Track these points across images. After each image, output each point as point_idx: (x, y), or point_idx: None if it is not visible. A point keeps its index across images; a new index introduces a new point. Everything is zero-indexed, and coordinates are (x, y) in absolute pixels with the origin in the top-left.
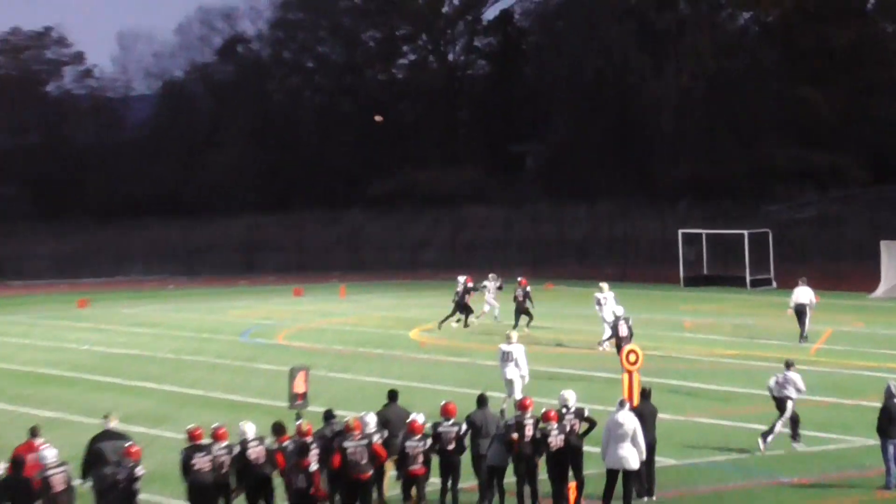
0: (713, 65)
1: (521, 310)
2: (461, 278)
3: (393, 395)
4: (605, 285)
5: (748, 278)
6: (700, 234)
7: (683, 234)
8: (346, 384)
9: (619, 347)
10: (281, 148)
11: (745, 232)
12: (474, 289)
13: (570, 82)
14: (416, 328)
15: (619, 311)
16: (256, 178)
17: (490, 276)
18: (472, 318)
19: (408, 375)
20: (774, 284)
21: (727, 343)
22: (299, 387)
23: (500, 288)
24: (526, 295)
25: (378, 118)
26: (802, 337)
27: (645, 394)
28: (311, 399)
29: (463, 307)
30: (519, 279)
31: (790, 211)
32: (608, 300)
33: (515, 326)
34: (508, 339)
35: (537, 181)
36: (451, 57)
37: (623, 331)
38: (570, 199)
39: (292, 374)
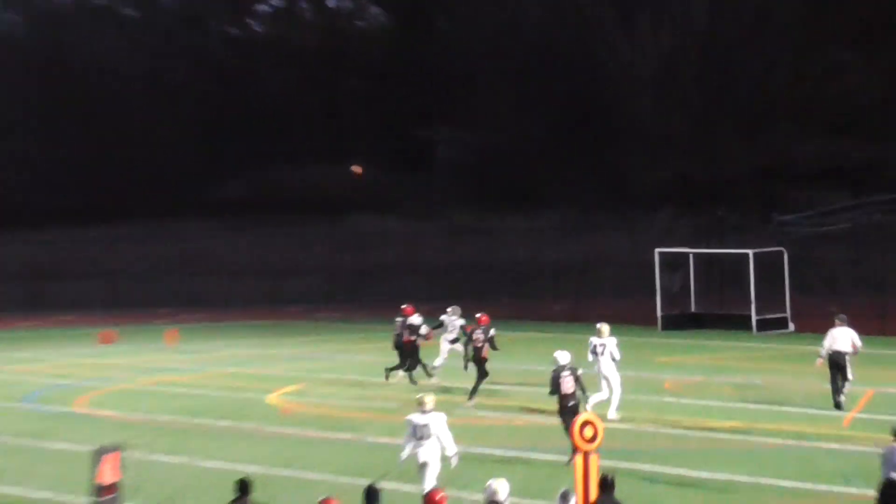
0: (706, 20)
1: (481, 359)
2: (410, 313)
3: (244, 486)
4: (605, 327)
5: (754, 318)
6: (686, 256)
7: (662, 254)
8: (176, 471)
9: (563, 413)
10: (85, 134)
11: (751, 252)
12: (419, 330)
13: (505, 43)
14: (279, 390)
15: (563, 357)
16: (49, 178)
17: (449, 309)
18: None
19: (266, 458)
20: (792, 327)
21: (724, 411)
22: (107, 475)
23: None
24: (489, 340)
25: (356, 169)
26: (838, 402)
27: (606, 484)
28: (125, 493)
29: (408, 353)
30: (478, 316)
31: (813, 223)
32: (607, 349)
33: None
34: (422, 406)
35: (456, 182)
36: (331, 3)
37: (567, 386)
38: (502, 207)
39: (98, 457)
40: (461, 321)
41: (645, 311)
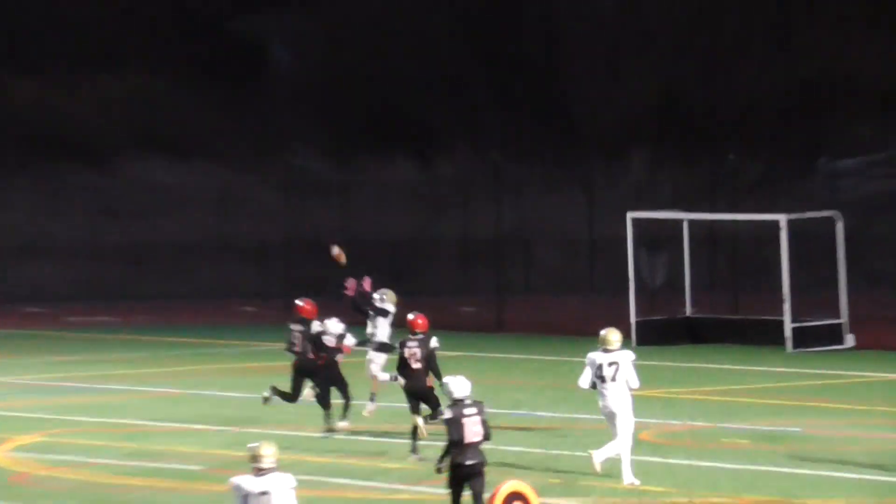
0: None
1: (423, 391)
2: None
3: None
4: (613, 335)
5: (788, 326)
6: (677, 226)
7: (637, 224)
8: None
9: (456, 475)
10: None
11: (783, 219)
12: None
13: None
14: (8, 442)
15: (460, 387)
16: None
17: (377, 295)
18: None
19: None
20: (850, 340)
21: (740, 478)
22: None
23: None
24: (430, 354)
25: (336, 251)
26: None
27: None
28: None
29: (326, 375)
30: (410, 318)
31: (885, 170)
32: (621, 370)
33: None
34: (258, 462)
35: (299, 109)
36: None
37: (472, 432)
38: (375, 150)
39: None
40: (391, 307)
41: (609, 316)
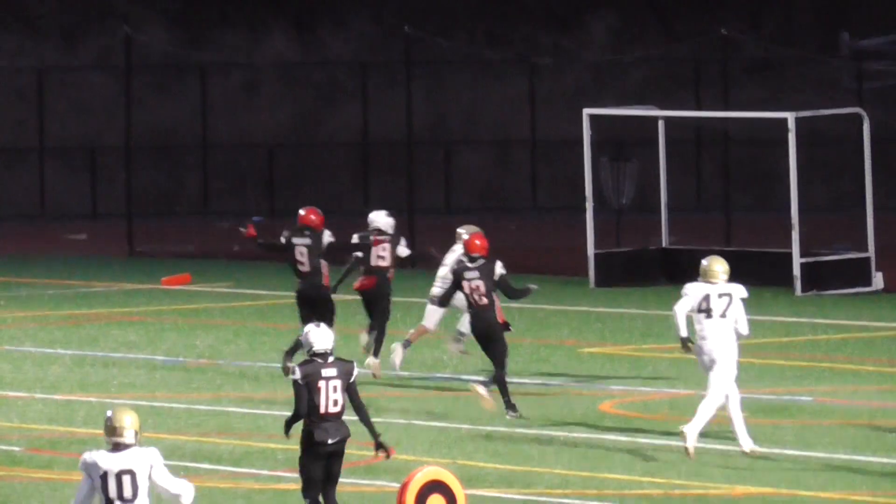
0: None
1: (491, 328)
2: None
3: None
4: (718, 266)
5: (797, 262)
6: (650, 126)
7: (595, 123)
8: None
9: (313, 456)
10: None
11: (791, 117)
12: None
13: None
14: None
15: (321, 338)
16: None
17: (462, 230)
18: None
19: None
20: (880, 280)
21: (729, 463)
22: None
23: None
24: (501, 283)
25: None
26: None
27: None
28: None
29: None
30: (464, 236)
31: None
32: (733, 305)
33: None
34: (115, 436)
35: None
36: None
37: (330, 401)
38: (245, 18)
39: None
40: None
41: (557, 245)
